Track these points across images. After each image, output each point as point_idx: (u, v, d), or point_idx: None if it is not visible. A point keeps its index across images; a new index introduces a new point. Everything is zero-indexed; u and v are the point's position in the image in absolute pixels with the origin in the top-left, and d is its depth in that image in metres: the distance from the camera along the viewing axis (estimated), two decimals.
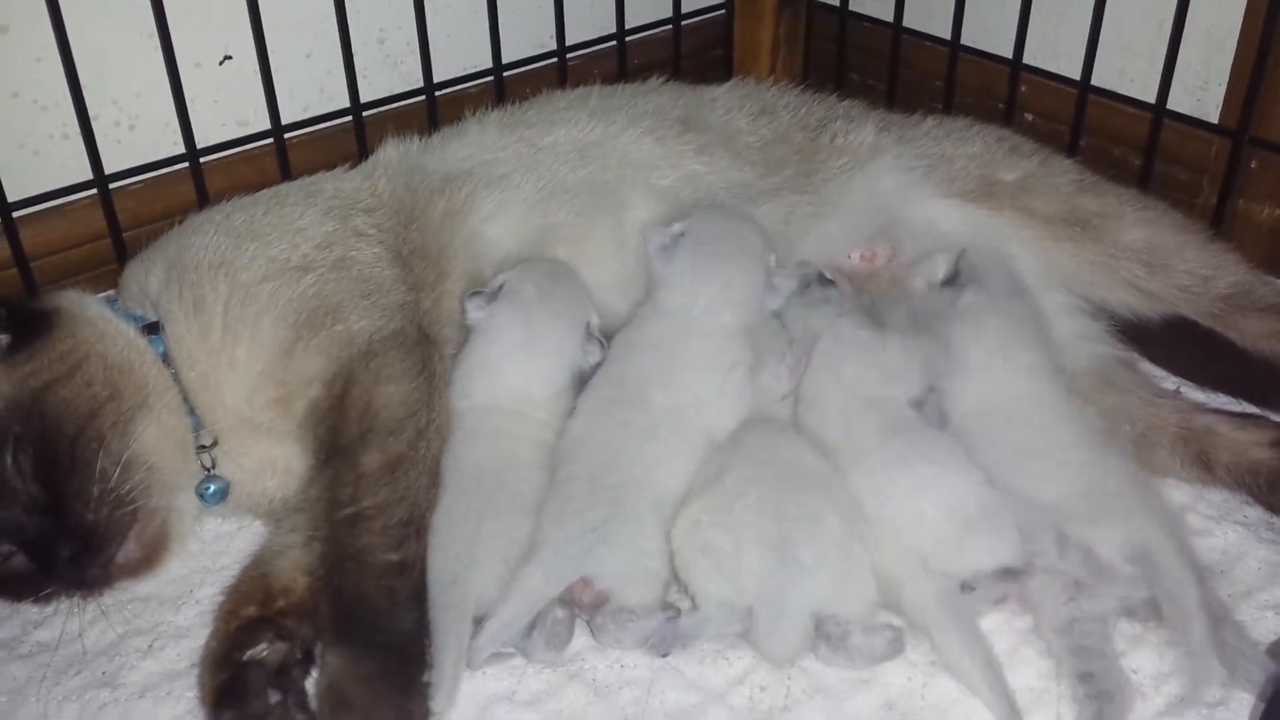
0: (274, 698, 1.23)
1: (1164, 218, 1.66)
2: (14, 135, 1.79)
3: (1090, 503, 1.30)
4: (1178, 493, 1.48)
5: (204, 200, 1.81)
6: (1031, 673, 1.25)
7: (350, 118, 1.97)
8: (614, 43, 2.26)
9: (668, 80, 1.89)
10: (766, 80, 1.93)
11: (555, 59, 2.18)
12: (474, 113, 1.78)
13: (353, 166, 1.71)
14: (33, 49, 1.73)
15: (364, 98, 1.97)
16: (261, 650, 1.27)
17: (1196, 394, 1.63)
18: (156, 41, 1.74)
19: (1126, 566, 1.24)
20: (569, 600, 1.28)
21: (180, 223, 1.56)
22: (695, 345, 1.46)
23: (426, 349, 1.44)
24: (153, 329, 1.44)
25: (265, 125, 1.90)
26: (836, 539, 1.25)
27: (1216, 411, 1.55)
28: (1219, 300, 1.59)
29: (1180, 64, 1.86)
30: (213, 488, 1.44)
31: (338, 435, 1.34)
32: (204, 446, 1.44)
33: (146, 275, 1.50)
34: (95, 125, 1.74)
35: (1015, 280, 1.61)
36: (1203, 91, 1.95)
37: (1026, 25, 2.01)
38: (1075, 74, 1.97)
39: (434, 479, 1.35)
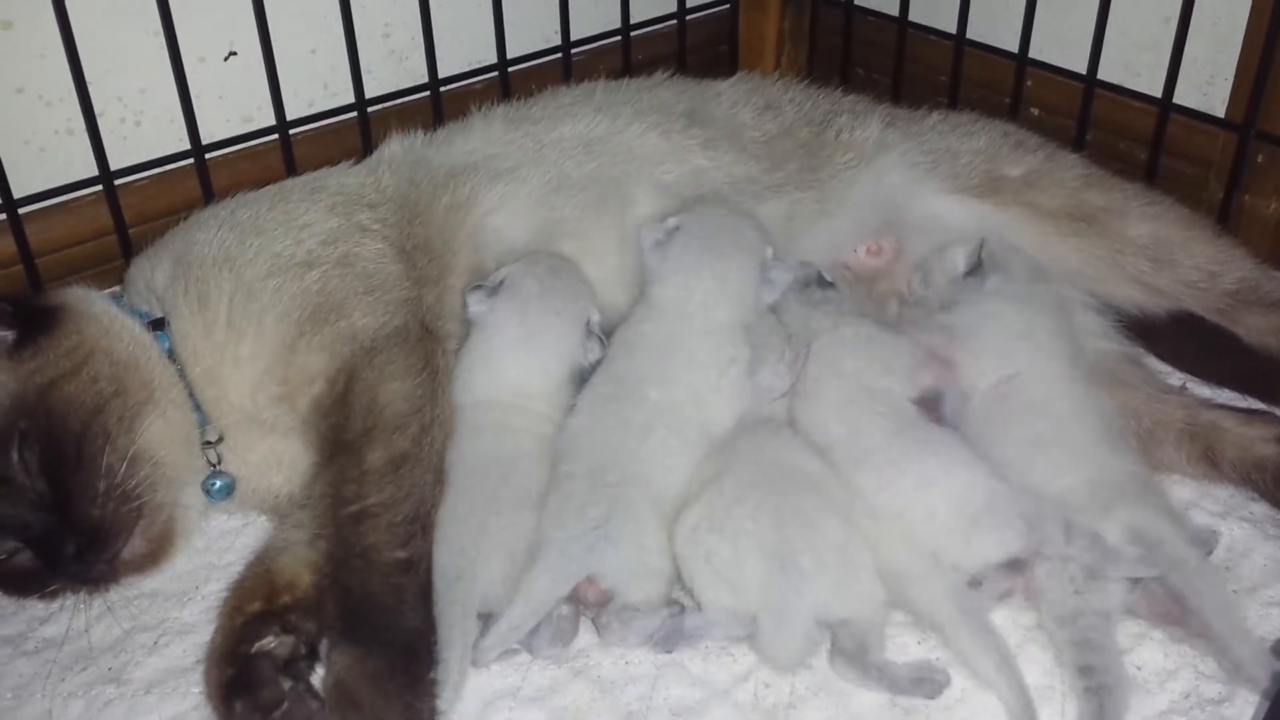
0: (286, 684, 1.23)
1: (1170, 213, 1.66)
2: (19, 131, 1.79)
3: (1100, 492, 1.29)
4: (1183, 489, 1.48)
5: (209, 196, 1.81)
6: (1036, 670, 1.24)
7: (355, 113, 1.97)
8: (619, 38, 2.26)
9: (673, 75, 1.89)
10: (771, 75, 1.93)
11: (560, 54, 2.18)
12: (479, 108, 1.78)
13: (357, 162, 1.71)
14: (37, 45, 1.73)
15: (369, 93, 1.97)
16: (269, 643, 1.27)
17: (1202, 390, 1.62)
18: (161, 37, 1.74)
19: (1133, 549, 1.24)
20: (574, 598, 1.28)
21: (185, 219, 1.57)
22: (692, 342, 1.45)
23: (430, 345, 1.44)
24: (158, 325, 1.44)
25: (270, 121, 1.90)
26: (836, 543, 1.24)
27: (1222, 407, 1.54)
28: (1225, 295, 1.58)
29: (1186, 58, 1.85)
30: (218, 483, 1.44)
31: (342, 432, 1.33)
32: (209, 442, 1.45)
33: (152, 271, 1.50)
34: (100, 121, 1.74)
35: (1038, 268, 1.61)
36: (1209, 86, 1.95)
37: (1032, 19, 2.00)
38: (1081, 68, 1.96)
39: (438, 475, 1.34)
